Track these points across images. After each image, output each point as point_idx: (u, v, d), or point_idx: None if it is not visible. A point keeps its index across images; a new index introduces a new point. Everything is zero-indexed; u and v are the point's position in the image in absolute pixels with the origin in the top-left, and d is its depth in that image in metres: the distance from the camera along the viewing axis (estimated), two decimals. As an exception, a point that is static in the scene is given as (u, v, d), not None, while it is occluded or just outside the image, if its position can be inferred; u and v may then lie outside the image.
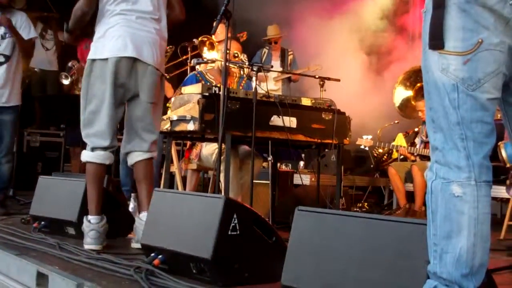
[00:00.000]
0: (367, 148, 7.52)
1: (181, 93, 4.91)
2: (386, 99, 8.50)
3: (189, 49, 6.90)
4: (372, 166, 8.65)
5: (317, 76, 5.90)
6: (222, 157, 4.52)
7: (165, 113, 4.92)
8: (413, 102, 8.11)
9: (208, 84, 5.14)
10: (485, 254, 1.99)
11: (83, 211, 4.17)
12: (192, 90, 4.72)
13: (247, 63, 5.27)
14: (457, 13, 1.97)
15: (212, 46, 6.13)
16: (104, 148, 3.92)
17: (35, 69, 8.90)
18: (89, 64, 3.91)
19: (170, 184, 6.08)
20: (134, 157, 3.98)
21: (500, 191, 5.76)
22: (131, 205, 6.29)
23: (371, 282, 2.32)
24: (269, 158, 5.25)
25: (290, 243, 2.70)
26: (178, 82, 6.64)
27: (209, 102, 4.52)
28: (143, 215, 3.77)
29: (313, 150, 6.25)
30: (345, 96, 6.76)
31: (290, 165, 7.88)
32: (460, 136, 1.98)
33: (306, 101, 5.11)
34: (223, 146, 4.50)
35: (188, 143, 6.21)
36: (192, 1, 6.52)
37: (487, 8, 1.95)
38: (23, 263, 3.42)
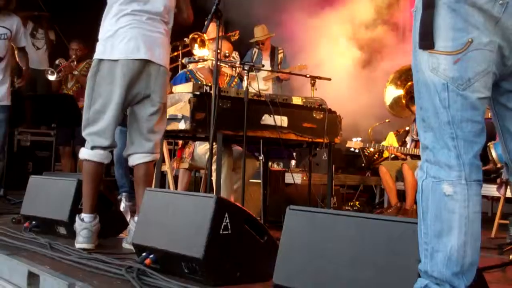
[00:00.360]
0: (357, 151, 7.54)
1: (171, 92, 4.90)
2: (377, 98, 8.50)
3: (180, 47, 6.89)
4: (363, 165, 8.66)
5: (308, 75, 5.90)
6: (214, 157, 4.53)
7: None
8: (403, 101, 8.13)
9: (199, 83, 5.14)
10: (475, 252, 2.00)
11: (74, 210, 4.17)
12: (183, 89, 4.71)
13: (238, 61, 5.26)
14: (447, 12, 1.98)
15: (203, 44, 6.12)
16: (104, 148, 3.91)
17: (26, 69, 8.88)
18: (95, 64, 3.88)
19: (162, 183, 6.08)
20: (136, 159, 3.96)
21: (491, 190, 5.78)
22: (122, 205, 6.30)
23: (362, 280, 2.33)
24: (261, 157, 5.25)
25: (281, 242, 2.70)
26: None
27: (200, 101, 4.52)
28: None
29: (305, 149, 6.26)
30: (336, 95, 6.77)
31: (281, 164, 7.88)
32: (450, 136, 1.99)
33: (297, 100, 5.12)
34: (215, 145, 4.49)
35: (180, 142, 6.20)
36: None
37: (477, 7, 1.95)
38: (14, 263, 3.41)
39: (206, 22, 4.21)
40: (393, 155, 7.51)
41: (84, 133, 3.97)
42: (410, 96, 6.90)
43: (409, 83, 7.95)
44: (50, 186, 4.53)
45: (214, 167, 4.71)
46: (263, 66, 7.75)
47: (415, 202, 6.27)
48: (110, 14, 3.90)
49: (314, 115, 5.11)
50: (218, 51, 4.33)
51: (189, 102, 4.49)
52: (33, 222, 4.39)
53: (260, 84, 7.30)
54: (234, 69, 5.68)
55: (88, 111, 3.93)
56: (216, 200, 2.91)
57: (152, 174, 4.04)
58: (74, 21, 9.09)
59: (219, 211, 2.89)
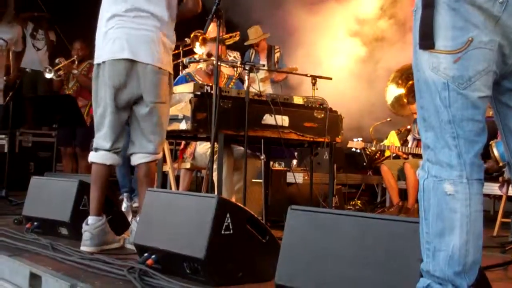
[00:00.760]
0: (359, 151, 7.53)
1: (172, 92, 4.90)
2: (379, 97, 8.50)
3: (181, 47, 6.89)
4: (364, 164, 8.66)
5: (308, 75, 5.89)
6: (215, 156, 4.52)
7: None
8: (405, 100, 8.13)
9: (200, 83, 5.14)
10: (478, 251, 2.00)
11: (76, 211, 4.17)
12: (184, 89, 4.71)
13: (239, 62, 5.26)
14: (447, 11, 1.98)
15: (204, 42, 6.13)
16: (107, 150, 3.92)
17: (26, 69, 8.88)
18: (95, 69, 3.92)
19: (163, 183, 6.07)
20: (137, 159, 3.95)
21: (493, 189, 5.78)
22: (124, 205, 6.29)
23: (364, 280, 2.33)
24: (262, 157, 5.25)
25: (283, 242, 2.70)
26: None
27: (201, 101, 4.52)
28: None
29: (306, 148, 6.26)
30: (337, 94, 6.76)
31: (283, 163, 7.88)
32: (451, 135, 1.99)
33: (298, 100, 5.12)
34: (216, 145, 4.49)
35: (182, 144, 6.20)
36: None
37: (477, 6, 1.95)
38: (16, 264, 3.41)
39: (206, 22, 4.20)
40: (394, 154, 7.50)
41: (94, 139, 3.99)
42: (412, 94, 6.89)
43: (410, 82, 7.96)
44: (52, 187, 4.53)
45: (215, 166, 4.71)
46: (263, 66, 7.76)
47: (417, 201, 6.27)
48: (101, 19, 3.93)
49: (315, 114, 5.11)
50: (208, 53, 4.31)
51: (190, 102, 4.49)
52: (35, 223, 4.39)
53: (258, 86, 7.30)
54: (235, 69, 5.68)
55: (95, 115, 3.96)
56: (217, 200, 2.91)
57: (153, 174, 4.03)
58: (74, 22, 9.09)
59: (221, 211, 2.89)
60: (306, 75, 5.95)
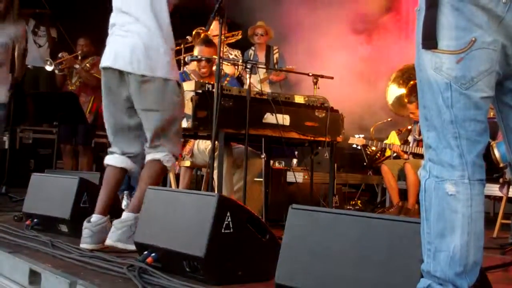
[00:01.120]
0: (359, 147, 7.52)
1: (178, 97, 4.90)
2: (379, 97, 8.50)
3: (182, 45, 6.89)
4: (365, 164, 8.65)
5: (310, 74, 5.89)
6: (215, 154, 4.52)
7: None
8: (405, 100, 8.13)
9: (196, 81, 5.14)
10: (478, 252, 1.99)
11: (76, 208, 4.17)
12: (185, 88, 4.70)
13: (240, 60, 5.26)
14: (450, 12, 1.97)
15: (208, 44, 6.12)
16: (119, 153, 3.97)
17: (28, 66, 8.87)
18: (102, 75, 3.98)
19: (164, 181, 6.07)
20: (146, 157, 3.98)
21: (494, 190, 5.77)
22: (124, 203, 6.30)
23: (364, 280, 2.32)
24: (263, 156, 5.24)
25: (284, 241, 2.69)
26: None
27: (202, 99, 4.52)
28: (124, 214, 3.79)
29: (306, 147, 6.25)
30: (338, 93, 6.76)
31: (283, 162, 7.87)
32: (453, 135, 1.98)
33: (299, 99, 5.11)
34: (216, 143, 4.49)
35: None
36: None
37: (480, 6, 1.95)
38: (16, 261, 3.41)
39: (209, 20, 4.20)
40: (395, 154, 7.49)
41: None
42: (413, 94, 6.88)
43: (412, 82, 7.96)
44: (52, 184, 4.53)
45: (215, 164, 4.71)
46: (265, 64, 7.75)
47: (417, 202, 6.28)
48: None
49: (316, 113, 5.11)
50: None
51: (191, 100, 4.50)
52: (35, 220, 4.39)
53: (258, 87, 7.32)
54: (236, 67, 5.68)
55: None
56: (218, 199, 2.90)
57: (155, 175, 3.98)
58: (76, 18, 9.10)
59: (221, 209, 2.88)
60: (308, 74, 5.95)
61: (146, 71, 3.76)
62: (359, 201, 7.88)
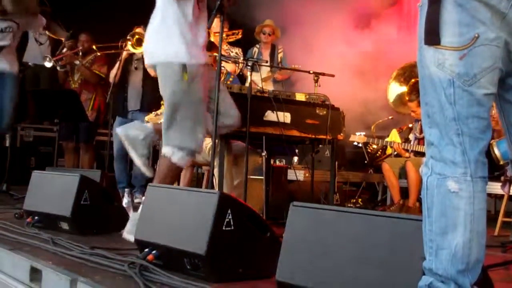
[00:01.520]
0: (360, 145, 7.52)
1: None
2: (381, 95, 8.49)
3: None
4: (366, 162, 8.65)
5: (311, 72, 5.88)
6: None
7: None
8: (407, 98, 8.12)
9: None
10: (481, 250, 1.98)
11: (77, 206, 4.17)
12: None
13: (241, 58, 5.26)
14: (453, 7, 1.96)
15: (208, 35, 6.10)
16: None
17: (29, 64, 8.87)
18: None
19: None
20: None
21: (495, 188, 5.77)
22: (125, 200, 6.30)
23: (365, 278, 2.32)
24: (263, 154, 5.24)
25: (284, 238, 2.69)
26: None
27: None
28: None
29: (307, 145, 6.25)
30: (339, 91, 6.75)
31: (284, 160, 7.87)
32: (456, 132, 1.98)
33: (300, 97, 5.11)
34: (217, 141, 4.49)
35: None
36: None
37: (483, 2, 1.94)
38: (17, 258, 3.41)
39: (210, 18, 4.19)
40: (396, 152, 7.49)
41: None
42: (413, 92, 6.87)
43: (413, 80, 7.94)
44: (53, 181, 4.53)
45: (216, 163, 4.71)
46: (267, 61, 7.74)
47: (418, 200, 6.28)
48: None
49: (317, 111, 5.10)
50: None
51: (192, 98, 4.48)
52: (36, 218, 4.39)
53: (259, 85, 7.32)
54: (237, 65, 5.68)
55: None
56: (219, 196, 2.90)
57: (162, 174, 4.01)
58: (77, 16, 9.08)
59: (222, 207, 2.88)
60: (309, 72, 5.95)
61: (148, 59, 3.94)
62: (360, 199, 7.88)
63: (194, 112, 3.95)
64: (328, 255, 2.48)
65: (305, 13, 8.96)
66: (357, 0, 8.97)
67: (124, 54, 6.81)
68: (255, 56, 8.32)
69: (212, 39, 6.04)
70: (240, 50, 7.86)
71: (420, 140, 6.93)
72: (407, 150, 7.06)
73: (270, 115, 4.79)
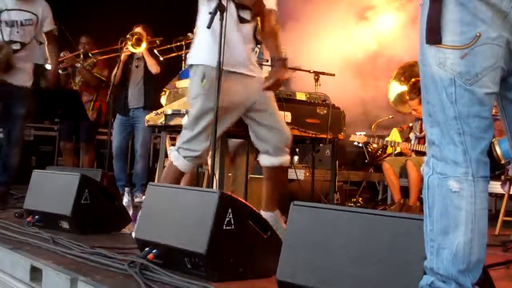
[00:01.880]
0: (361, 145, 7.52)
1: (178, 79, 4.89)
2: (381, 94, 8.49)
3: (183, 43, 6.88)
4: (366, 161, 8.64)
5: (311, 71, 5.87)
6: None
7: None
8: (407, 97, 8.11)
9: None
10: (482, 249, 1.98)
11: (77, 205, 4.17)
12: (184, 85, 4.70)
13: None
14: (454, 6, 1.96)
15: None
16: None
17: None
18: None
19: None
20: None
21: (495, 187, 5.76)
22: (125, 200, 6.29)
23: (366, 277, 2.31)
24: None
25: (285, 238, 2.68)
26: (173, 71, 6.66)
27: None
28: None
29: (308, 145, 6.25)
30: (339, 90, 6.75)
31: (284, 159, 7.85)
32: (457, 131, 1.97)
33: (300, 96, 5.10)
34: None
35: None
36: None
37: (485, 1, 1.93)
38: (17, 257, 3.41)
39: (209, 17, 4.18)
40: (396, 152, 7.48)
41: None
42: (414, 91, 6.86)
43: (413, 80, 7.94)
44: (53, 180, 4.53)
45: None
46: (267, 61, 7.72)
47: (419, 199, 6.27)
48: None
49: (318, 110, 5.10)
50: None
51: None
52: (36, 217, 4.39)
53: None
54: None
55: None
56: (219, 195, 2.90)
57: (164, 174, 4.11)
58: (77, 17, 9.08)
59: (223, 206, 2.88)
60: (309, 71, 5.94)
61: (192, 60, 4.04)
62: (360, 199, 7.87)
63: (207, 118, 3.91)
64: (329, 254, 2.47)
65: (306, 12, 8.95)
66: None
67: (123, 55, 6.81)
68: (256, 56, 8.31)
69: None
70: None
71: (421, 139, 6.92)
72: (404, 150, 7.05)
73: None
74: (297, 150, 8.32)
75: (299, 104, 5.04)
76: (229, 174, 5.55)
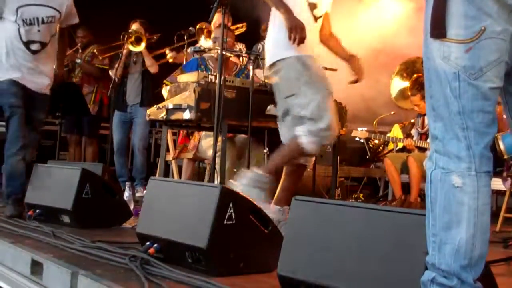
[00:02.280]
0: (362, 140, 7.50)
1: (181, 72, 4.87)
2: (383, 90, 8.46)
3: (185, 37, 6.87)
4: (367, 157, 8.64)
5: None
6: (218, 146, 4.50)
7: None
8: (409, 93, 8.10)
9: (208, 72, 5.11)
10: (484, 245, 1.96)
11: (78, 199, 4.17)
12: (188, 79, 4.69)
13: (244, 52, 5.24)
14: (460, 0, 1.95)
15: (209, 34, 6.10)
16: None
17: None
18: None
19: (166, 173, 6.07)
20: None
21: (496, 183, 5.75)
22: (126, 194, 6.29)
23: (368, 272, 2.31)
24: (265, 150, 5.22)
25: (286, 233, 2.68)
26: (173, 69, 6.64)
27: (205, 90, 4.50)
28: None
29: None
30: (341, 85, 6.72)
31: (285, 155, 7.84)
32: (460, 126, 1.96)
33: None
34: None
35: (181, 134, 6.19)
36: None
37: None
38: (18, 251, 3.41)
39: (212, 11, 4.17)
40: (398, 148, 7.47)
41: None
42: (416, 87, 6.85)
43: (415, 75, 7.93)
44: (55, 174, 4.53)
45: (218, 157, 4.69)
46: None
47: (420, 195, 6.26)
48: None
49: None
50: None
51: (194, 91, 4.47)
52: (37, 211, 4.39)
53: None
54: (241, 59, 5.66)
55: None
56: (220, 190, 2.89)
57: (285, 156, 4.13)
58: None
59: (224, 200, 2.87)
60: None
61: (275, 57, 4.08)
62: (361, 195, 7.87)
63: (329, 100, 4.11)
64: (330, 249, 2.46)
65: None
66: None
67: (125, 50, 6.80)
68: (260, 51, 8.31)
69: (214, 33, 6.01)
70: (244, 45, 7.85)
71: (422, 135, 6.91)
72: (407, 146, 7.04)
73: (272, 110, 4.76)
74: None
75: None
76: (234, 170, 5.55)
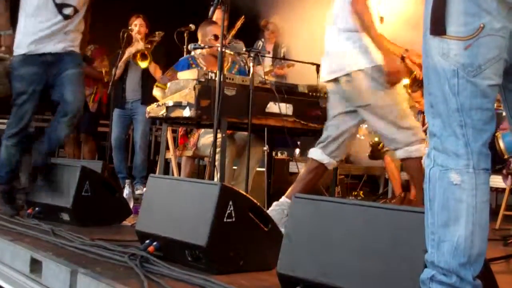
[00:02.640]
0: (362, 137, 7.49)
1: (173, 71, 4.86)
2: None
3: (185, 34, 6.86)
4: (368, 154, 8.62)
5: (314, 63, 5.84)
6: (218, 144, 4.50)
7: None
8: (409, 91, 8.08)
9: (199, 69, 5.11)
10: (483, 243, 1.96)
11: (78, 197, 4.16)
12: (188, 76, 4.68)
13: (243, 49, 5.23)
14: None
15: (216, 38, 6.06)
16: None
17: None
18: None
19: (165, 170, 6.06)
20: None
21: (496, 181, 5.75)
22: (126, 192, 6.28)
23: (367, 270, 2.30)
24: (265, 148, 5.21)
25: (286, 230, 2.68)
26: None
27: (205, 88, 4.49)
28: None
29: (309, 137, 6.23)
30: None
31: (285, 152, 7.86)
32: (459, 123, 1.95)
33: (302, 88, 5.08)
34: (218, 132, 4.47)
35: (181, 131, 6.18)
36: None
37: None
38: (17, 249, 3.41)
39: (211, 8, 4.16)
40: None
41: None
42: (416, 83, 6.83)
43: (415, 73, 7.91)
44: (54, 172, 4.52)
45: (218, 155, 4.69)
46: (269, 52, 7.72)
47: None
48: None
49: (320, 103, 5.07)
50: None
51: (194, 89, 4.46)
52: (37, 208, 4.39)
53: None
54: (239, 55, 5.64)
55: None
56: (220, 188, 2.89)
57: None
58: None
59: (223, 198, 2.87)
60: (311, 63, 5.91)
61: (349, 69, 4.17)
62: (361, 192, 7.86)
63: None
64: (330, 247, 2.46)
65: (308, 3, 8.90)
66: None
67: (126, 55, 6.79)
68: (260, 48, 8.30)
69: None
70: (242, 43, 7.84)
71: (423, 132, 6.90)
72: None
73: (272, 107, 4.76)
74: (298, 143, 8.31)
75: (301, 97, 5.02)
76: (234, 168, 5.55)
